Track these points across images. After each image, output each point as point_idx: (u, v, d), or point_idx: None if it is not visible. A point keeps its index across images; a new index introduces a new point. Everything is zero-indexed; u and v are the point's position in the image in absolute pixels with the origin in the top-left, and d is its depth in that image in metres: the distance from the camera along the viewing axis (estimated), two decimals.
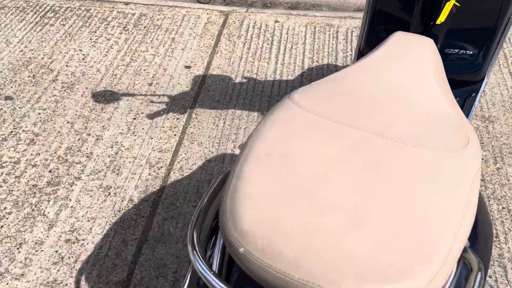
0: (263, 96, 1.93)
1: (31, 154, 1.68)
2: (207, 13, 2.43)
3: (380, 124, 0.65)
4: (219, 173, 1.61)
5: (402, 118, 0.67)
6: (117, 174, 1.62)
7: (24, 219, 1.46)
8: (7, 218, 1.47)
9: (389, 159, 0.57)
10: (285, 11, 2.44)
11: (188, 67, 2.09)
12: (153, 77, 2.03)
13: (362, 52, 1.45)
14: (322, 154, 0.59)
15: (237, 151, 1.70)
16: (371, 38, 1.40)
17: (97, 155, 1.69)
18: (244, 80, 2.01)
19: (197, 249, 0.56)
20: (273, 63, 2.09)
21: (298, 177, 0.55)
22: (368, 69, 0.77)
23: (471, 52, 1.27)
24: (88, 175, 1.61)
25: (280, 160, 0.58)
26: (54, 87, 1.97)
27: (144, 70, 2.07)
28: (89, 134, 1.76)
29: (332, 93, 0.73)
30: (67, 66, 2.09)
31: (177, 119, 1.84)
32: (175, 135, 1.78)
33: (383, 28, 1.36)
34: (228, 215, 0.52)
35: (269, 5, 2.51)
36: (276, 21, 2.36)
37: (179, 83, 2.00)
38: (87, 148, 1.71)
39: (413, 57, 0.80)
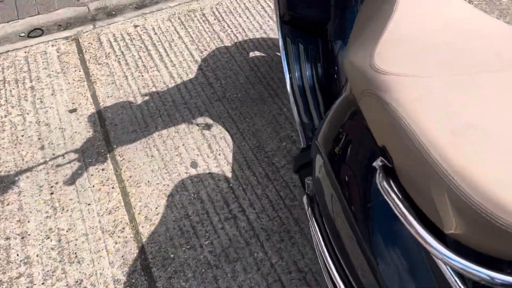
0: (177, 105, 1.75)
1: None
2: (52, 45, 2.05)
3: (494, 60, 0.63)
4: (191, 202, 1.43)
5: (498, 47, 0.66)
6: (79, 262, 1.31)
7: None
8: None
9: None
10: (137, 13, 2.21)
11: (73, 110, 1.76)
12: (39, 139, 1.66)
13: (282, 18, 1.41)
14: (497, 108, 0.55)
15: (192, 171, 1.53)
16: (292, 1, 1.36)
17: (37, 255, 1.33)
18: (147, 98, 1.79)
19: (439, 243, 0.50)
20: (164, 68, 1.90)
21: None
22: (416, 20, 0.73)
23: None
24: (43, 283, 1.27)
25: (472, 131, 0.52)
26: None
27: (22, 136, 1.67)
28: (8, 238, 1.37)
29: (414, 51, 0.67)
30: None
31: (103, 169, 1.55)
32: (113, 187, 1.50)
33: None
34: (501, 210, 0.45)
35: (113, 13, 2.24)
36: (136, 26, 2.13)
37: (75, 132, 1.68)
38: (17, 255, 1.33)
39: None
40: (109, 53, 1.99)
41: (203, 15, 2.16)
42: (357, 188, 0.71)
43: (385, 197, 0.60)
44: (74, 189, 1.50)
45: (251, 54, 1.94)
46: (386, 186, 0.60)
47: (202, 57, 1.94)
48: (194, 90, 1.80)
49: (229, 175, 1.51)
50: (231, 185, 1.48)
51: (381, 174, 0.61)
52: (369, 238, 0.67)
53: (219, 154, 1.57)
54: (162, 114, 1.72)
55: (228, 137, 1.63)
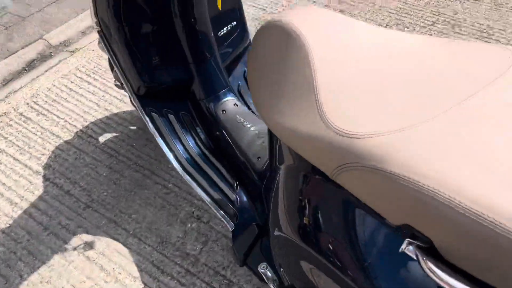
0: (37, 236, 1.36)
1: None
2: None
3: (465, 81, 0.55)
4: None
5: (457, 64, 0.59)
6: None
7: None
8: None
9: (500, 106, 0.52)
10: None
11: None
12: None
13: (138, 93, 1.19)
14: (495, 136, 0.48)
15: (109, 285, 1.18)
16: (145, 70, 1.15)
17: None
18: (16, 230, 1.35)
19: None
20: (37, 178, 1.47)
21: None
22: (342, 60, 0.62)
23: (235, 23, 1.24)
24: None
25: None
26: None
27: None
28: None
29: (375, 98, 0.56)
30: None
31: None
32: None
33: (151, 49, 1.14)
34: None
35: None
36: None
37: None
38: None
39: (341, 24, 0.69)
40: None
41: (21, 114, 1.76)
42: (382, 278, 0.56)
43: (440, 282, 0.47)
44: None
45: (102, 139, 1.65)
46: (438, 271, 0.46)
47: (43, 165, 1.57)
48: (51, 208, 1.43)
49: None
50: None
51: (424, 258, 0.47)
52: None
53: (119, 273, 1.26)
54: (21, 256, 1.31)
55: (121, 247, 1.32)
